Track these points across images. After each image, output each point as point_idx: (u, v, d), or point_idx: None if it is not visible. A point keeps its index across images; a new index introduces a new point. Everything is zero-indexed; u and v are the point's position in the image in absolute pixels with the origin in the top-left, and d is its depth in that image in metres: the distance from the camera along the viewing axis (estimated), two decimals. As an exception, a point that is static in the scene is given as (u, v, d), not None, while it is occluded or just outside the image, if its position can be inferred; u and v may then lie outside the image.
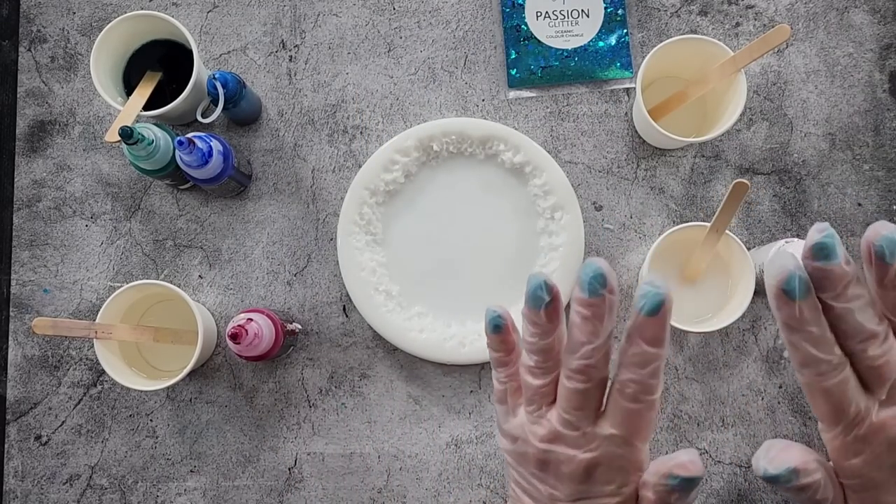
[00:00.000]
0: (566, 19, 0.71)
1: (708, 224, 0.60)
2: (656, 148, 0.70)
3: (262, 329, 0.61)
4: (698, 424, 0.67)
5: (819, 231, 0.31)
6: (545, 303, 0.35)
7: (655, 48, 0.62)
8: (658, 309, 0.33)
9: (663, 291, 0.33)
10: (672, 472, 0.35)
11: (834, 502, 0.36)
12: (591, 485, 0.36)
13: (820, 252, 0.30)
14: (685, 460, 0.35)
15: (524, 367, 0.37)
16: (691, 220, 0.69)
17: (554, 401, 0.37)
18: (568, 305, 0.45)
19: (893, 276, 0.31)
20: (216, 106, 0.64)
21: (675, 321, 0.61)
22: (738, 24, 0.71)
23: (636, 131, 0.70)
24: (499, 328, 0.38)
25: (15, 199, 0.72)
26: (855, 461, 0.34)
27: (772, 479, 0.36)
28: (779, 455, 0.37)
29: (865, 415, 0.33)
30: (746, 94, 0.61)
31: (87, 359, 0.70)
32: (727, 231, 0.61)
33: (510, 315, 0.38)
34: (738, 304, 0.62)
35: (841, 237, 0.68)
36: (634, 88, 0.70)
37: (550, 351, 0.36)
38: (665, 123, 0.64)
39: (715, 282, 0.65)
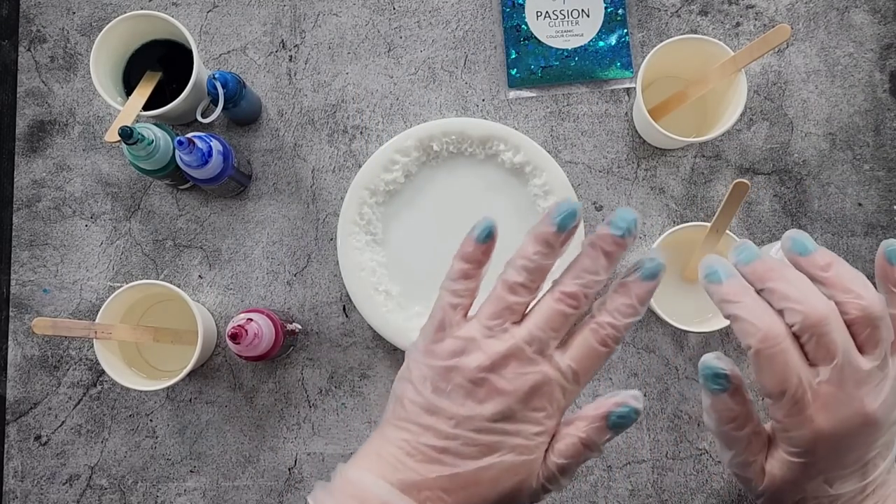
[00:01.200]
0: (566, 19, 0.70)
1: (708, 224, 0.60)
2: (656, 148, 0.70)
3: (262, 329, 0.61)
4: (698, 424, 0.67)
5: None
6: (570, 227, 0.37)
7: (656, 48, 0.62)
8: (655, 276, 0.37)
9: (662, 261, 0.37)
10: (622, 403, 0.37)
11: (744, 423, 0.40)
12: (524, 406, 0.37)
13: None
14: (631, 394, 0.38)
15: (506, 284, 0.38)
16: (691, 220, 0.69)
17: (519, 320, 0.38)
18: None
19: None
20: (216, 106, 0.64)
21: (675, 321, 0.61)
22: (738, 24, 0.71)
23: (636, 131, 0.70)
24: (490, 237, 0.39)
25: (15, 199, 0.72)
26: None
27: (717, 377, 0.39)
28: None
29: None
30: (747, 94, 0.61)
31: (86, 359, 0.70)
32: (728, 231, 0.61)
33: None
34: None
35: (841, 237, 0.68)
36: (634, 88, 0.70)
37: (544, 272, 0.38)
38: (665, 123, 0.64)
39: None
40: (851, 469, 0.38)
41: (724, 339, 0.68)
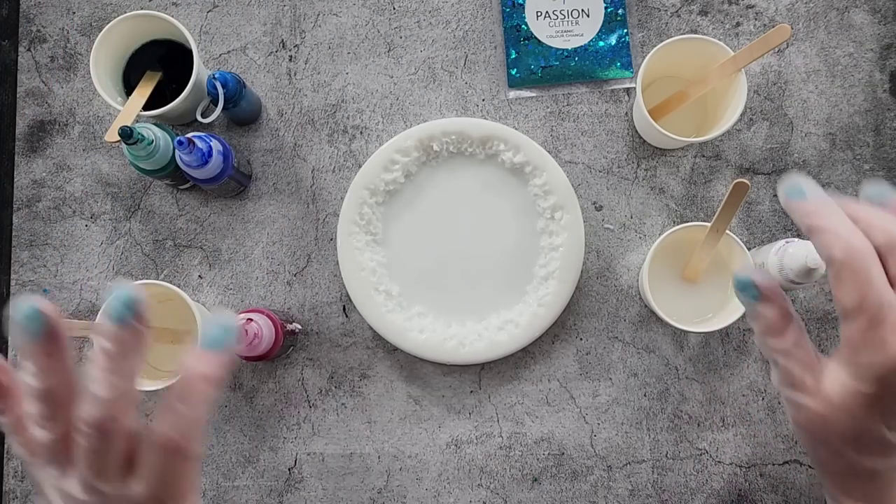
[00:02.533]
0: (566, 19, 0.70)
1: (708, 224, 0.60)
2: (656, 148, 0.70)
3: (262, 329, 0.61)
4: (698, 424, 0.67)
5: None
6: (40, 332, 0.28)
7: (656, 48, 0.62)
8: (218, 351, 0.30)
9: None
10: None
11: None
12: None
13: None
14: None
15: (29, 418, 0.29)
16: (691, 220, 0.69)
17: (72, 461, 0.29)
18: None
19: None
20: (216, 106, 0.64)
21: (676, 321, 0.61)
22: (738, 24, 0.71)
23: (636, 131, 0.70)
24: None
25: (15, 199, 0.72)
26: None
27: (745, 286, 0.36)
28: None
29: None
30: (747, 94, 0.61)
31: (86, 359, 0.70)
32: (727, 231, 0.61)
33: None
34: (738, 304, 0.62)
35: (841, 237, 0.68)
36: (635, 88, 0.70)
37: (57, 397, 0.29)
38: (665, 123, 0.64)
39: (715, 282, 0.65)
40: None
41: (723, 338, 0.68)
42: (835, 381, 0.35)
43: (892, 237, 0.34)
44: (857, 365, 0.34)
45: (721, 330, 0.66)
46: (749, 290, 0.36)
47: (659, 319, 0.67)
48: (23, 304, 0.28)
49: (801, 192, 0.35)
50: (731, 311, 0.62)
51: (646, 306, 0.68)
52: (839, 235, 0.34)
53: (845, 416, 0.35)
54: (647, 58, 0.62)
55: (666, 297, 0.63)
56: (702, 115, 0.68)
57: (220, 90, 0.63)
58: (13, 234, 0.71)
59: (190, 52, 0.64)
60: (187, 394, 0.29)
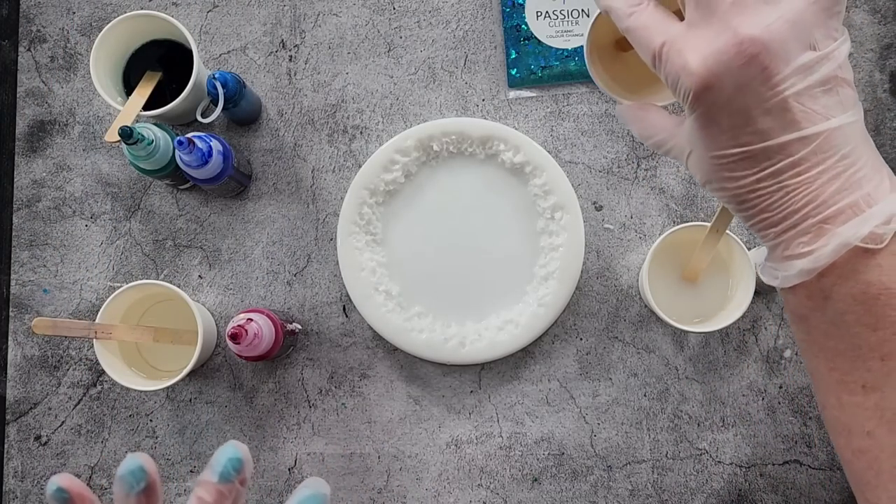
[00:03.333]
0: (566, 19, 0.70)
1: (708, 224, 0.60)
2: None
3: (262, 329, 0.61)
4: (698, 424, 0.67)
5: None
6: (140, 490, 0.33)
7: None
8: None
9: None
10: None
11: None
12: None
13: None
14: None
15: None
16: (691, 220, 0.69)
17: None
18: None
19: None
20: (216, 106, 0.64)
21: (676, 321, 0.61)
22: (738, 24, 0.70)
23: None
24: (63, 501, 0.33)
25: (15, 199, 0.72)
26: None
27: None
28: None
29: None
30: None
31: (86, 359, 0.70)
32: (727, 231, 0.61)
33: (83, 487, 0.34)
34: (738, 304, 0.62)
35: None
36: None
37: None
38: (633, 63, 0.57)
39: (715, 282, 0.65)
40: (756, 118, 0.36)
41: (723, 338, 0.68)
42: (684, 130, 0.40)
43: None
44: (683, 98, 0.38)
45: (721, 330, 0.66)
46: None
47: (659, 319, 0.67)
48: (131, 459, 0.33)
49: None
50: (731, 311, 0.62)
51: (646, 306, 0.68)
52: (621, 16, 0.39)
53: (699, 146, 0.39)
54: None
55: (666, 297, 0.63)
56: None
57: (220, 90, 0.63)
58: (13, 234, 0.71)
59: (190, 52, 0.64)
60: None
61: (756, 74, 0.35)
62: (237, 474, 0.33)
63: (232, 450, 0.33)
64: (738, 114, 0.36)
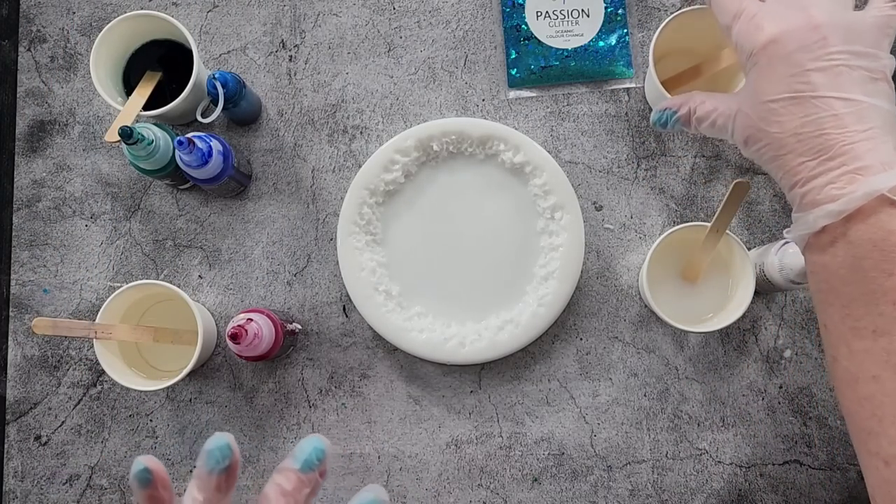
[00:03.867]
0: (566, 19, 0.70)
1: (708, 224, 0.60)
2: (657, 147, 0.70)
3: (262, 329, 0.61)
4: (698, 424, 0.67)
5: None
6: (223, 467, 0.33)
7: (669, 18, 0.62)
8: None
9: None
10: None
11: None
12: None
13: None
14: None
15: None
16: (691, 220, 0.69)
17: None
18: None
19: None
20: (216, 106, 0.64)
21: (676, 321, 0.61)
22: (738, 24, 0.70)
23: (647, 102, 0.69)
24: (146, 482, 0.33)
25: (15, 199, 0.72)
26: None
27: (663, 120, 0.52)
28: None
29: None
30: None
31: (86, 359, 0.70)
32: (727, 231, 0.61)
33: (162, 468, 0.34)
34: (738, 304, 0.62)
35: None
36: (634, 88, 0.70)
37: None
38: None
39: (715, 282, 0.65)
40: (798, 77, 0.43)
41: (723, 339, 0.68)
42: (742, 88, 0.48)
43: None
44: (744, 51, 0.46)
45: (721, 330, 0.66)
46: (666, 117, 0.52)
47: (659, 319, 0.67)
48: (219, 437, 0.34)
49: None
50: (732, 311, 0.62)
51: (646, 306, 0.68)
52: None
53: (752, 97, 0.45)
54: (659, 28, 0.62)
55: (666, 298, 0.63)
56: (712, 91, 0.68)
57: (220, 90, 0.63)
58: (13, 234, 0.71)
59: (190, 52, 0.64)
60: None
61: (817, 39, 0.42)
62: (319, 464, 0.34)
63: (317, 440, 0.35)
64: (795, 65, 0.43)
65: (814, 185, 0.42)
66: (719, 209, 0.59)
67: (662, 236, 0.62)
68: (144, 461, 0.33)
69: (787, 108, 0.43)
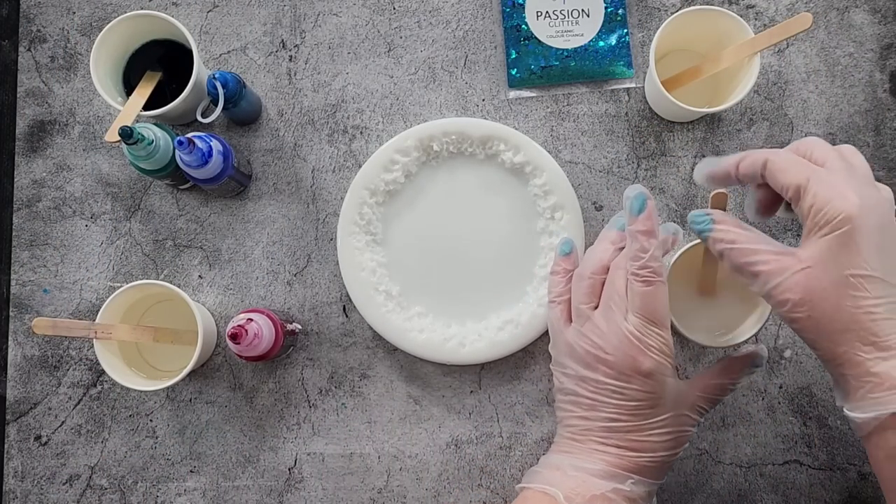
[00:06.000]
0: (566, 19, 0.70)
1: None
2: (657, 147, 0.70)
3: (262, 329, 0.61)
4: (698, 424, 0.67)
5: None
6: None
7: (671, 17, 0.62)
8: (643, 207, 0.51)
9: (643, 191, 0.52)
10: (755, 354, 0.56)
11: None
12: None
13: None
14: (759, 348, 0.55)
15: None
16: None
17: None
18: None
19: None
20: (216, 106, 0.64)
21: (695, 336, 0.60)
22: (738, 24, 0.71)
23: (647, 103, 0.69)
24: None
25: (15, 199, 0.72)
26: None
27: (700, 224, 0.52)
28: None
29: None
30: (751, 87, 0.61)
31: (86, 359, 0.70)
32: None
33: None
34: (760, 315, 0.59)
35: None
36: (635, 88, 0.70)
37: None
38: (676, 96, 0.63)
39: (733, 294, 0.63)
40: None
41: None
42: (810, 247, 0.45)
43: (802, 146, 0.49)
44: (824, 216, 0.44)
45: (735, 345, 0.65)
46: (703, 222, 0.51)
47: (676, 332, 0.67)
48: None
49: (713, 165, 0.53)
50: (753, 323, 0.60)
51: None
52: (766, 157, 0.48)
53: (832, 265, 0.44)
54: (661, 27, 0.62)
55: (685, 313, 0.61)
56: (712, 91, 0.68)
57: (220, 90, 0.63)
58: (13, 234, 0.71)
59: (190, 52, 0.64)
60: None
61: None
62: (644, 207, 0.53)
63: (638, 192, 0.53)
64: (884, 237, 0.43)
65: (881, 370, 0.42)
66: (770, 29, 0.58)
67: (678, 253, 0.60)
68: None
69: (869, 283, 0.43)
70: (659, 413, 0.52)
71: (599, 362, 0.52)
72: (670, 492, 0.67)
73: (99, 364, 0.62)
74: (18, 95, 0.73)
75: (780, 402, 0.67)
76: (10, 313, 0.71)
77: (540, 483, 0.52)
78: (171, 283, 0.66)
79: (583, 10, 0.70)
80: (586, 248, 0.68)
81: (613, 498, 0.50)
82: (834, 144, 0.68)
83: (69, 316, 0.70)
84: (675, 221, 0.69)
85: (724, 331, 0.63)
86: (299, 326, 0.68)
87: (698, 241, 0.60)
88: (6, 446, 0.69)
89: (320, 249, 0.70)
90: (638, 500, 0.52)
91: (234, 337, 0.58)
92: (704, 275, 0.62)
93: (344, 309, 0.70)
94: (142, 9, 0.73)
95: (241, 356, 0.61)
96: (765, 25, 0.70)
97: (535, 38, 0.71)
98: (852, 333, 0.43)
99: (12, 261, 0.71)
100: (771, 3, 0.71)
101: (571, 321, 0.56)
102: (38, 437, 0.69)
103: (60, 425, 0.69)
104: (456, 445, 0.68)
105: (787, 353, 0.67)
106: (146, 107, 0.64)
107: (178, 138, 0.59)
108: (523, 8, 0.71)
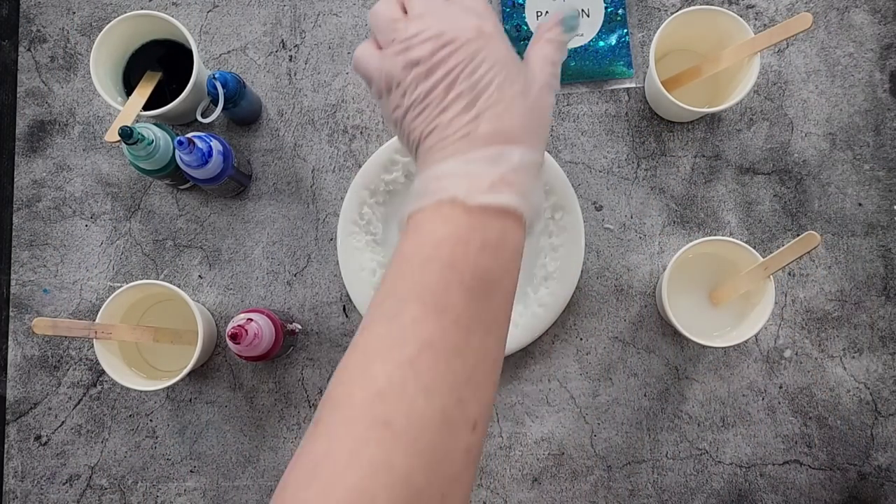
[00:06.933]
0: (566, 19, 0.70)
1: (730, 240, 0.60)
2: (657, 147, 0.70)
3: (262, 329, 0.61)
4: (698, 424, 0.67)
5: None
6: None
7: (671, 17, 0.62)
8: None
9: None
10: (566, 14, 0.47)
11: None
12: None
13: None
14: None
15: None
16: (691, 221, 0.69)
17: None
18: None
19: None
20: (216, 106, 0.64)
21: (694, 335, 0.60)
22: (738, 24, 0.71)
23: (647, 102, 0.69)
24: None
25: (15, 199, 0.72)
26: None
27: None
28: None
29: None
30: (750, 89, 0.61)
31: (86, 359, 0.70)
32: (736, 240, 0.60)
33: None
34: (757, 316, 0.60)
35: (841, 237, 0.68)
36: (635, 88, 0.70)
37: None
38: (676, 96, 0.63)
39: (734, 303, 0.63)
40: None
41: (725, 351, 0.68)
42: None
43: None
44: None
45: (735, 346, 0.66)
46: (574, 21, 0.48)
47: (660, 319, 0.67)
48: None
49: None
50: (753, 322, 0.61)
51: (661, 316, 0.68)
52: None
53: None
54: (661, 27, 0.62)
55: (683, 310, 0.61)
56: (712, 91, 0.68)
57: (220, 90, 0.63)
58: (13, 234, 0.71)
59: (190, 52, 0.64)
60: None
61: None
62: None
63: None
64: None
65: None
66: (780, 251, 0.57)
67: (685, 247, 0.61)
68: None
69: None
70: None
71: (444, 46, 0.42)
72: (670, 492, 0.67)
73: (99, 364, 0.62)
74: (18, 95, 0.73)
75: (780, 402, 0.67)
76: (10, 313, 0.71)
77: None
78: (171, 283, 0.66)
79: (583, 10, 0.70)
80: (584, 248, 0.68)
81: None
82: (834, 145, 0.69)
83: (69, 316, 0.70)
84: (675, 222, 0.69)
85: (723, 331, 0.64)
86: (299, 326, 0.68)
87: (698, 241, 0.61)
88: (6, 446, 0.69)
89: (320, 249, 0.70)
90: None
91: (234, 337, 0.58)
92: (727, 287, 0.62)
93: (344, 309, 0.70)
94: (142, 9, 0.73)
95: (241, 356, 0.61)
96: (765, 25, 0.70)
97: (535, 38, 0.70)
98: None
99: (12, 261, 0.71)
100: (771, 3, 0.71)
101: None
102: (38, 437, 0.69)
103: (60, 425, 0.69)
104: (456, 445, 0.68)
105: (787, 353, 0.67)
106: (146, 107, 0.64)
107: (178, 138, 0.59)
108: (523, 8, 0.71)
